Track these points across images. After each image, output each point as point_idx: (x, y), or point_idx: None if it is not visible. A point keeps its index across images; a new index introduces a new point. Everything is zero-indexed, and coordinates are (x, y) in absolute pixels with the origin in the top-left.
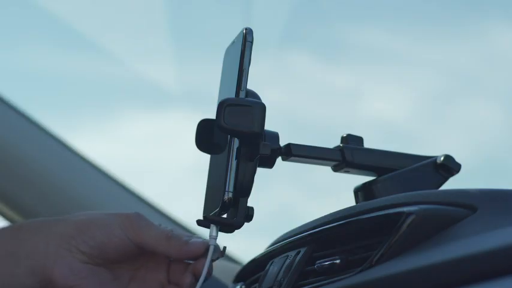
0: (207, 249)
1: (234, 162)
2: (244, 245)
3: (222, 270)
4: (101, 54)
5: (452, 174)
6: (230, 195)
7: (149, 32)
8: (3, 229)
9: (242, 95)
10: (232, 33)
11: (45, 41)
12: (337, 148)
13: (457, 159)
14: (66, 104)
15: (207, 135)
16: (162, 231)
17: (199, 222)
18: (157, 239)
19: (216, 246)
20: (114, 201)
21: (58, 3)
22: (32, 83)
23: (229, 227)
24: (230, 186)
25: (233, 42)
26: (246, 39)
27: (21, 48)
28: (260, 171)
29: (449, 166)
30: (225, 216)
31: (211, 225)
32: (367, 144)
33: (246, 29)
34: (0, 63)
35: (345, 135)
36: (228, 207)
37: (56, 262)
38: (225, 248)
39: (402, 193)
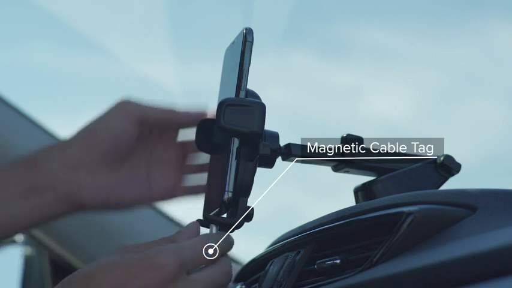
0: None
1: (233, 162)
2: (244, 245)
3: None
4: (101, 54)
5: (452, 174)
6: (230, 195)
7: (149, 31)
8: (17, 164)
9: (242, 95)
10: (233, 32)
11: (46, 40)
12: (337, 148)
13: (457, 159)
14: (66, 104)
15: (207, 135)
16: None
17: (199, 222)
18: (157, 108)
19: None
20: None
21: (59, 2)
22: (32, 82)
23: (229, 227)
24: (230, 186)
25: (233, 42)
26: (246, 39)
27: (21, 48)
28: (260, 171)
29: (449, 166)
30: (224, 216)
31: (211, 225)
32: (367, 144)
33: (246, 28)
34: (0, 62)
35: (345, 135)
36: (228, 207)
37: (80, 186)
38: None
39: (402, 193)
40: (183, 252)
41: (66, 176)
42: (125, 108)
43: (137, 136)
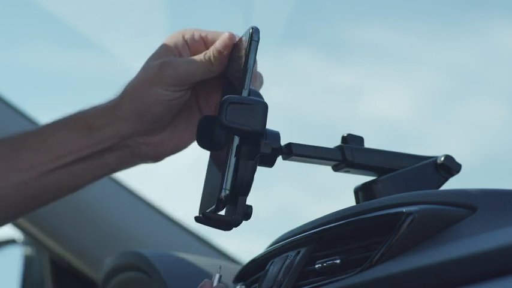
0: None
1: (232, 160)
2: (245, 245)
3: (222, 270)
4: (101, 54)
5: (452, 175)
6: (227, 192)
7: (149, 31)
8: (71, 128)
9: (245, 93)
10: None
11: (46, 40)
12: (337, 148)
13: (458, 159)
14: (66, 103)
15: (209, 132)
16: (195, 61)
17: (197, 219)
18: (193, 70)
19: None
20: (114, 201)
21: (59, 2)
22: (32, 82)
23: (227, 225)
24: (227, 183)
25: (239, 40)
26: (252, 38)
27: (21, 48)
28: (260, 170)
29: (450, 166)
30: (223, 213)
31: (214, 273)
32: (367, 144)
33: (252, 28)
34: (0, 62)
35: (345, 134)
36: (224, 204)
37: (137, 146)
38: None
39: (402, 193)
40: None
41: (122, 140)
42: (165, 80)
43: (184, 93)
